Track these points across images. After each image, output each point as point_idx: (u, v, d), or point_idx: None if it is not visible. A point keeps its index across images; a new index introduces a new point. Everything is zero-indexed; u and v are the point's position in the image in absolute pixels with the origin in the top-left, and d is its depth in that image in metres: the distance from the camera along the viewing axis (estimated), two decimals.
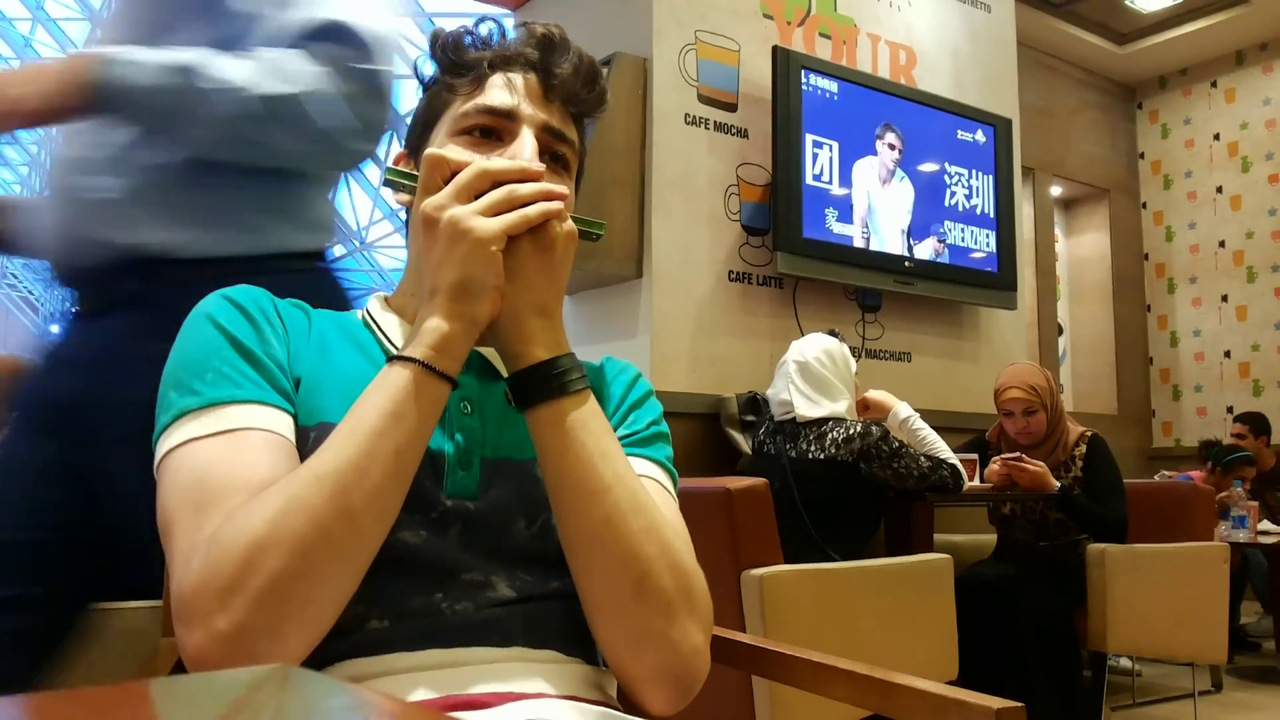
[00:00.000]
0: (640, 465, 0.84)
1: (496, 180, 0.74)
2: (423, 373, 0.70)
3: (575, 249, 0.77)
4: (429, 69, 0.88)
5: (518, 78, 0.85)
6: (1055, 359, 5.66)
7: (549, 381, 0.74)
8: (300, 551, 0.64)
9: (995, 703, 0.75)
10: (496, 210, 0.72)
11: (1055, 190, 5.91)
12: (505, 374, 0.78)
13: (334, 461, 0.67)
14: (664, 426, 0.91)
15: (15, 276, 25.54)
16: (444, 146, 0.83)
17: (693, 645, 0.76)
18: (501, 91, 0.84)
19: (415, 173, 0.78)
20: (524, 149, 0.80)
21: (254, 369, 0.75)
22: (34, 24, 15.94)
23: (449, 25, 0.89)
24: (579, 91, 0.86)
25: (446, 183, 0.74)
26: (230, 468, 0.69)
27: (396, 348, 0.82)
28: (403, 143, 0.91)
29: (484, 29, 0.87)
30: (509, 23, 0.89)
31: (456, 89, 0.85)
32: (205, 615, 0.63)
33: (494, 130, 0.83)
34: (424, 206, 0.73)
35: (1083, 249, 6.16)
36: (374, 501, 0.67)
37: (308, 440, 0.74)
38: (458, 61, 0.86)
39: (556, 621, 0.78)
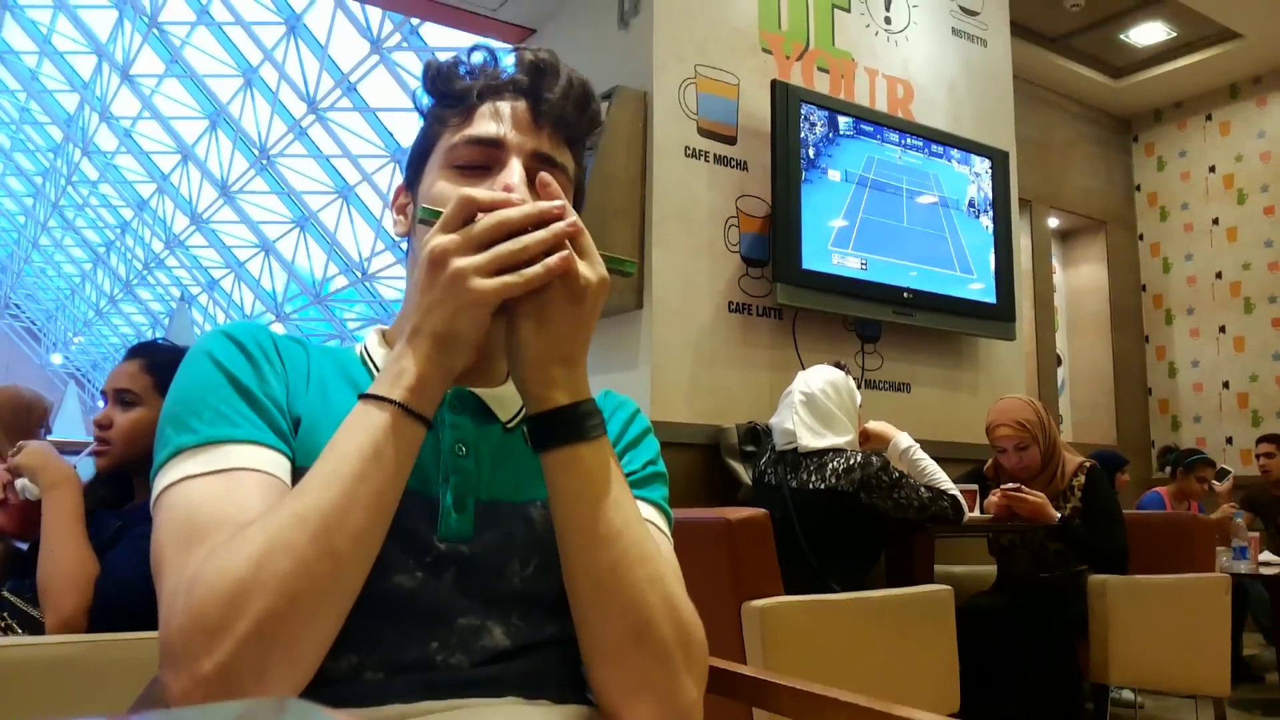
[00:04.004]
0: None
1: (512, 231, 0.71)
2: (400, 415, 0.70)
3: (606, 296, 0.75)
4: (425, 101, 0.87)
5: (506, 106, 0.84)
6: (1054, 390, 5.66)
7: (567, 426, 0.74)
8: (285, 593, 0.63)
9: None
10: (499, 265, 0.70)
11: (1053, 222, 5.94)
12: (503, 417, 0.82)
13: (315, 503, 0.66)
14: (661, 465, 0.91)
15: (18, 306, 25.62)
16: (436, 180, 0.82)
17: (689, 699, 0.75)
18: (488, 121, 0.83)
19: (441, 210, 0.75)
20: (511, 178, 0.79)
21: (251, 409, 0.75)
22: (40, 57, 16.09)
23: (446, 57, 0.88)
24: (570, 115, 0.85)
25: (467, 223, 0.72)
26: (221, 506, 0.68)
27: None
28: (404, 175, 0.90)
29: (476, 57, 0.86)
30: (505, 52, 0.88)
31: (446, 120, 0.84)
32: (190, 659, 0.61)
33: (483, 160, 0.82)
34: (433, 245, 0.71)
35: (1080, 280, 6.19)
36: (358, 543, 0.67)
37: None
38: (447, 92, 0.85)
39: (552, 670, 0.78)
